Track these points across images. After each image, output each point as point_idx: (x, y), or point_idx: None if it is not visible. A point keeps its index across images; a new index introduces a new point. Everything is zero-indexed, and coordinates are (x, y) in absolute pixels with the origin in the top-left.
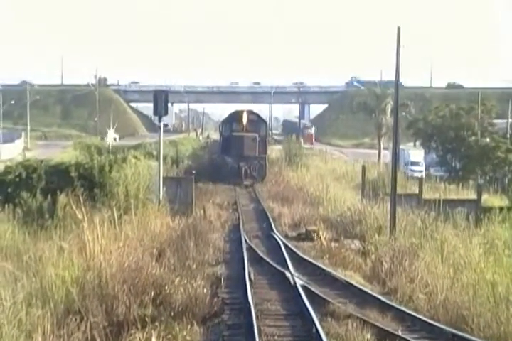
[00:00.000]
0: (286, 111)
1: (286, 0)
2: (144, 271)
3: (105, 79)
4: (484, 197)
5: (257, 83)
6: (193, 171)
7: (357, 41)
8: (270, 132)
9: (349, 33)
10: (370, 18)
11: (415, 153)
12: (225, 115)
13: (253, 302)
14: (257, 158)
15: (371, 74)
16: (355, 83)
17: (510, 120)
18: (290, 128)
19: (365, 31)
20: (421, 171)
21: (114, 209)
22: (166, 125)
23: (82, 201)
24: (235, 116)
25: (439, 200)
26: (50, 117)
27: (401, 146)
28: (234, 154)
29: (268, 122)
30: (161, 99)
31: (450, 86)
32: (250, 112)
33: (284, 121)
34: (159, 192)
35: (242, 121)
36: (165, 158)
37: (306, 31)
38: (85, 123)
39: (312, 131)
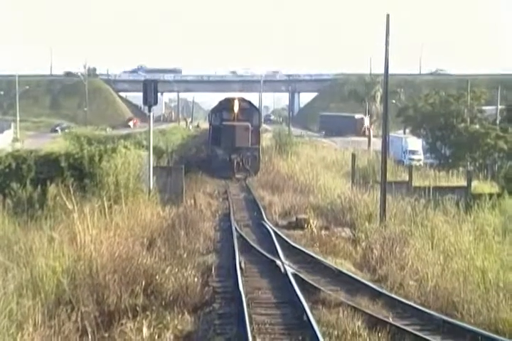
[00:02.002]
0: (276, 100)
1: None
2: (135, 260)
3: (94, 69)
4: (474, 183)
5: (234, 72)
6: (182, 166)
7: (347, 30)
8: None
9: (339, 22)
10: (360, 6)
11: (413, 142)
12: (215, 104)
13: (244, 290)
14: (250, 149)
15: (361, 63)
16: None
17: (499, 106)
18: (332, 124)
19: (356, 20)
20: (419, 160)
21: (105, 199)
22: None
23: (72, 191)
24: (226, 104)
25: (429, 187)
26: (39, 107)
27: (398, 135)
28: (225, 145)
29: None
30: (151, 88)
31: (435, 73)
32: (242, 99)
33: (321, 116)
34: (149, 182)
35: (233, 110)
36: (154, 148)
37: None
38: (75, 113)
39: (367, 122)
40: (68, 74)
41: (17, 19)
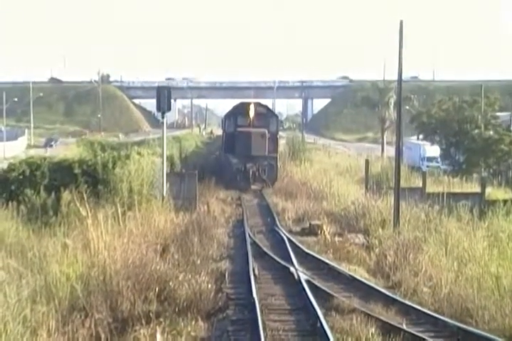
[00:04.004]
0: (289, 106)
1: None
2: (148, 266)
3: (108, 76)
4: (488, 190)
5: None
6: (195, 172)
7: (360, 37)
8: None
9: (353, 29)
10: (374, 13)
11: (431, 149)
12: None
13: (257, 297)
14: (267, 158)
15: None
16: None
17: None
18: None
19: (370, 27)
20: (437, 167)
21: (118, 205)
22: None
23: (85, 198)
24: (241, 109)
25: (443, 194)
26: (53, 114)
27: (416, 141)
28: (239, 153)
29: None
30: (164, 95)
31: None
32: (258, 104)
33: None
34: (163, 188)
35: (248, 115)
36: (168, 155)
37: (309, 26)
38: (88, 119)
39: None
40: (53, 80)
41: (30, 26)
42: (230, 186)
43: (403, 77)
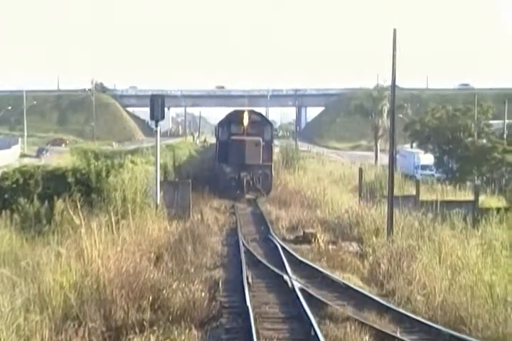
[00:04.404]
0: (283, 115)
1: (283, 5)
2: (142, 275)
3: (102, 85)
4: (481, 198)
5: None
6: (189, 181)
7: (354, 45)
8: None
9: (346, 37)
10: (368, 21)
11: (425, 157)
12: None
13: (251, 305)
14: (262, 166)
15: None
16: None
17: (506, 121)
18: None
19: (363, 35)
20: (432, 175)
21: (112, 214)
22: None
23: (79, 206)
24: (234, 117)
25: (437, 202)
26: (47, 123)
27: (410, 150)
28: (233, 162)
29: None
30: (158, 103)
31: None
32: (252, 112)
33: None
34: (156, 197)
35: (242, 123)
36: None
37: (304, 35)
38: (82, 128)
39: None
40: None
41: (25, 34)
42: (224, 195)
43: (445, 86)
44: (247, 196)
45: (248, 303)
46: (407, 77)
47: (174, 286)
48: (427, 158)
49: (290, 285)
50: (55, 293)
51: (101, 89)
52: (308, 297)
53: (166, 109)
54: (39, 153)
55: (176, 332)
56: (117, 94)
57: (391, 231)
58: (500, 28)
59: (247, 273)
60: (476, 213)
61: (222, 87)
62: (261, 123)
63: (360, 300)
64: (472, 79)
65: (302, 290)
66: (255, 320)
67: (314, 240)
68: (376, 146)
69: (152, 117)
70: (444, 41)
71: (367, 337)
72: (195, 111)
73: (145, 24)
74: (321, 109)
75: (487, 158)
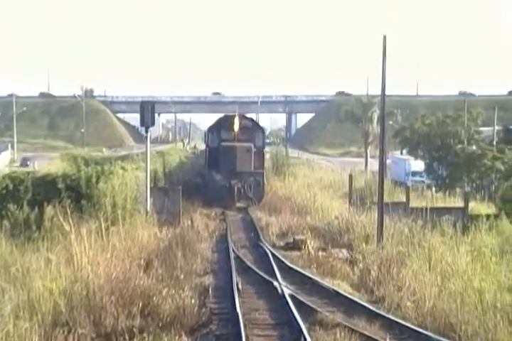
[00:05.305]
0: (273, 121)
1: (273, 12)
2: (132, 281)
3: (92, 91)
4: (471, 204)
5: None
6: (179, 187)
7: (344, 51)
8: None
9: (336, 44)
10: (358, 27)
11: (416, 164)
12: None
13: (241, 311)
14: (253, 174)
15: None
16: None
17: (496, 127)
18: None
19: (353, 41)
20: (423, 182)
21: (102, 220)
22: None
23: (69, 212)
24: (225, 122)
25: (426, 208)
26: (36, 129)
27: (401, 156)
28: (223, 169)
29: None
30: (148, 109)
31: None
32: (243, 117)
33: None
34: (146, 203)
35: (233, 128)
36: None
37: (294, 41)
38: (72, 134)
39: None
40: (42, 94)
41: (14, 40)
42: (214, 204)
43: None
44: (238, 204)
45: (238, 310)
46: (398, 83)
47: (164, 293)
48: (418, 165)
49: (280, 291)
50: (44, 299)
51: (90, 95)
52: (298, 303)
53: (156, 115)
54: (23, 162)
55: (165, 339)
56: (107, 101)
57: (381, 237)
58: (500, 28)
59: (237, 279)
60: (465, 220)
61: (219, 94)
62: (252, 128)
63: (350, 307)
64: (466, 85)
65: (292, 296)
66: (245, 326)
67: (304, 247)
68: (366, 153)
69: (142, 123)
70: (436, 46)
71: None
72: (185, 117)
73: (136, 31)
74: (311, 115)
75: (477, 164)
